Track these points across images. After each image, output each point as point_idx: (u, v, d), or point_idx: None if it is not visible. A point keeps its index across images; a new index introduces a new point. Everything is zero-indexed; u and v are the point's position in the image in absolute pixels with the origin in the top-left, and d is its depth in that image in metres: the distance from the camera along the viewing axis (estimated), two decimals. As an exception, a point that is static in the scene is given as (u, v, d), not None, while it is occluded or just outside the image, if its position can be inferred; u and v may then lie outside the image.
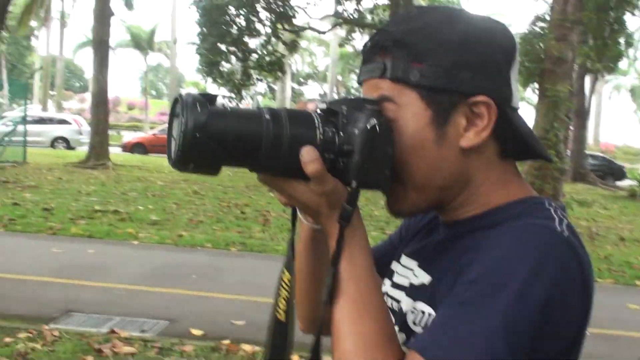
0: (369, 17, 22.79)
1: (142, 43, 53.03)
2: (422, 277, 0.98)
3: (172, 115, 0.84)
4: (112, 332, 4.95)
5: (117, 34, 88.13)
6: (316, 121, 0.86)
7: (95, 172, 16.94)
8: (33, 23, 46.27)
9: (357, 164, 0.85)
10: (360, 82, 0.96)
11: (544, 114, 11.76)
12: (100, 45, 19.22)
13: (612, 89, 69.07)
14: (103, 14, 19.16)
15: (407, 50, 0.89)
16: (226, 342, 4.84)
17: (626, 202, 19.41)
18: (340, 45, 28.98)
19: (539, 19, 15.63)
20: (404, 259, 1.07)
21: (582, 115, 24.08)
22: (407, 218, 1.12)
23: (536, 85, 12.85)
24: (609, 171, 28.73)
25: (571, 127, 16.41)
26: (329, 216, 0.88)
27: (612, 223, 14.19)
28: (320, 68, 66.50)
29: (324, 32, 25.28)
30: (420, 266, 1.00)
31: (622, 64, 40.43)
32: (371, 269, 0.90)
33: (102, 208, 10.80)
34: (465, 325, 0.79)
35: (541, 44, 12.70)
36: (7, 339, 4.62)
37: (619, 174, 28.96)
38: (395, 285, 1.05)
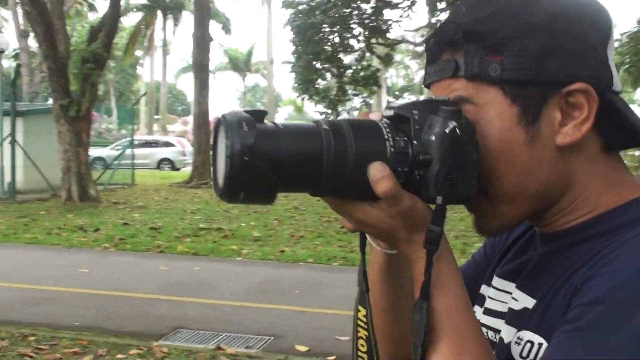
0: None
1: (240, 65, 54.61)
2: (524, 301, 0.83)
3: (216, 139, 0.74)
4: (219, 348, 5.00)
5: (216, 57, 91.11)
6: (384, 131, 0.75)
7: (199, 191, 17.46)
8: (138, 52, 48.60)
9: (438, 175, 0.74)
10: (427, 86, 0.85)
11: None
12: (201, 69, 19.89)
13: None
14: (203, 40, 19.83)
15: (482, 41, 0.77)
16: (332, 358, 4.79)
17: None
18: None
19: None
20: (497, 281, 0.92)
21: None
22: (498, 235, 0.97)
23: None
24: None
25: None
26: (410, 240, 0.76)
27: None
28: (415, 80, 66.08)
29: (418, 44, 25.03)
30: (519, 288, 0.85)
31: None
32: (467, 300, 0.77)
33: (207, 226, 11.07)
34: (588, 356, 0.65)
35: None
36: (119, 356, 4.76)
37: None
38: (490, 312, 0.90)
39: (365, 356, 0.86)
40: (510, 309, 0.86)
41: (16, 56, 34.18)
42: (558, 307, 0.75)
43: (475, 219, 0.84)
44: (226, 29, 45.26)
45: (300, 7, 18.48)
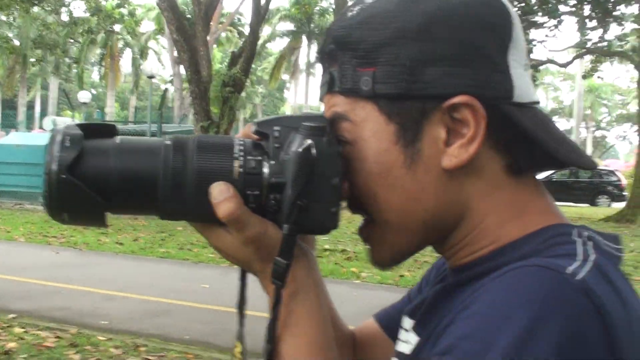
0: (617, 43, 21.09)
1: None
2: (414, 343, 0.74)
3: None
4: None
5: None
6: (236, 148, 0.68)
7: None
8: (285, 76, 50.44)
9: (289, 201, 0.66)
10: (320, 100, 0.76)
11: None
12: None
13: None
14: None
15: (354, 52, 0.68)
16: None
17: None
18: (584, 77, 27.06)
19: None
20: (405, 320, 0.81)
21: None
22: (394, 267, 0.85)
23: None
24: None
25: None
26: (264, 272, 0.69)
27: None
28: (566, 103, 63.32)
29: (564, 65, 23.90)
30: (414, 327, 0.76)
31: None
32: (320, 342, 0.68)
33: (332, 247, 11.09)
34: None
35: None
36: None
37: None
38: (398, 355, 0.79)
39: None
40: (412, 350, 0.75)
41: (171, 82, 36.64)
42: (427, 355, 0.65)
43: (369, 250, 0.75)
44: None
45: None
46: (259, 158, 0.68)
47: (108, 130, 0.68)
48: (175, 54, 30.24)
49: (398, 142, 0.67)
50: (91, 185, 0.65)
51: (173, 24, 14.92)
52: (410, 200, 0.68)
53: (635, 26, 19.38)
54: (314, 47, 47.05)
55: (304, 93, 51.58)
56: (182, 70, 30.65)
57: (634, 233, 14.79)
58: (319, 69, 0.88)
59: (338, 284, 8.55)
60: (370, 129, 0.68)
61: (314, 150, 0.66)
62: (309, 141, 0.66)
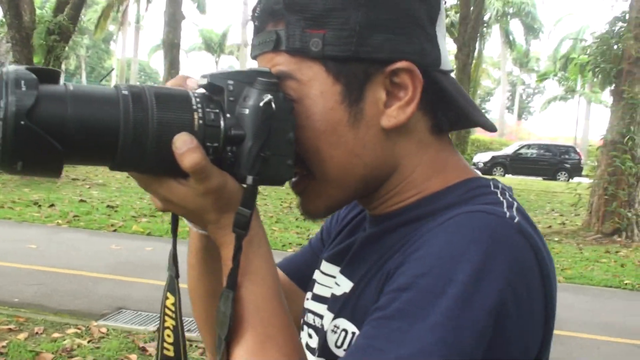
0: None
1: (214, 46, 54.08)
2: (345, 286, 0.80)
3: None
4: (159, 330, 4.90)
5: (191, 37, 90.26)
6: (193, 100, 0.68)
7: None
8: (111, 27, 47.86)
9: (250, 153, 0.68)
10: (254, 58, 0.79)
11: (619, 117, 11.17)
12: (171, 48, 19.58)
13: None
14: (174, 18, 19.51)
15: (303, 12, 0.72)
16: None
17: None
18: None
19: (617, 19, 14.93)
20: (325, 265, 0.88)
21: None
22: (324, 218, 0.93)
23: (613, 87, 12.23)
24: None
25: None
26: (219, 222, 0.71)
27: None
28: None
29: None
30: (342, 272, 0.82)
31: None
32: (277, 287, 0.72)
33: (165, 207, 10.91)
34: (393, 346, 0.61)
35: (619, 44, 12.08)
36: (56, 335, 4.64)
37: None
38: (316, 298, 0.86)
39: (171, 347, 0.80)
40: (332, 294, 0.82)
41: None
42: (371, 295, 0.72)
43: (301, 200, 0.80)
44: (201, 8, 44.75)
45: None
46: (217, 110, 0.69)
47: (54, 76, 0.65)
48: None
49: (343, 101, 0.73)
50: (49, 133, 0.62)
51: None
52: (352, 156, 0.74)
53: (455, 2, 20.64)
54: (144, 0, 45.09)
55: (133, 46, 49.44)
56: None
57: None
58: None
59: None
60: (317, 88, 0.73)
61: (273, 105, 0.69)
62: (269, 96, 0.69)
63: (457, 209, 0.70)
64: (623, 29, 12.04)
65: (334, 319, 0.79)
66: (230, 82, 0.70)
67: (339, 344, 0.76)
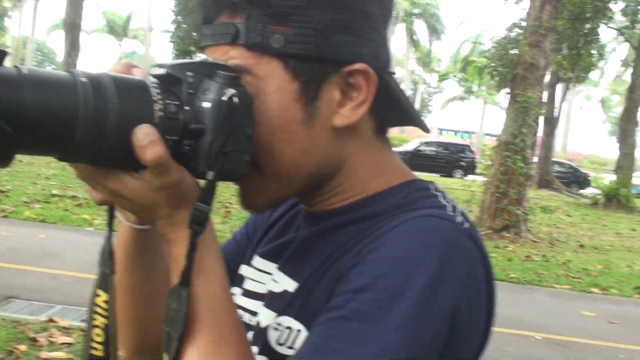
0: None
1: (117, 29, 52.41)
2: (285, 284, 0.80)
3: None
4: (51, 320, 4.75)
5: (94, 18, 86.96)
6: (153, 91, 0.66)
7: (58, 157, 16.57)
8: (7, 4, 45.39)
9: (211, 148, 0.67)
10: (202, 47, 0.77)
11: (513, 119, 11.72)
12: (72, 28, 18.87)
13: (583, 99, 69.93)
14: (75, -4, 18.80)
15: (266, 7, 0.72)
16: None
17: (588, 210, 19.49)
18: None
19: (515, 25, 15.65)
20: (258, 261, 0.88)
21: (551, 122, 24.18)
22: (265, 212, 0.93)
23: (508, 90, 12.81)
24: (574, 179, 28.76)
25: (540, 134, 16.47)
26: (172, 218, 0.69)
27: (573, 230, 14.21)
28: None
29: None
30: (281, 269, 0.82)
31: (594, 74, 40.97)
32: (228, 285, 0.72)
33: (60, 193, 10.52)
34: (352, 346, 0.63)
35: (515, 50, 12.68)
36: (-63, 324, 4.41)
37: (584, 182, 28.96)
38: (249, 294, 0.86)
39: (100, 347, 0.77)
40: (269, 291, 0.82)
41: None
42: (322, 293, 0.73)
43: (242, 193, 0.79)
44: (105, -11, 43.27)
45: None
46: (177, 103, 0.67)
47: (0, 56, 0.61)
48: None
49: (300, 99, 0.73)
50: (2, 118, 0.58)
51: None
52: (304, 154, 0.75)
53: None
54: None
55: (31, 24, 47.12)
56: None
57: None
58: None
59: (70, 231, 8.19)
60: (274, 85, 0.73)
61: (236, 100, 0.68)
62: (232, 90, 0.68)
63: (408, 212, 0.72)
64: (520, 35, 12.62)
65: (277, 316, 0.78)
66: (190, 73, 0.69)
67: (281, 341, 0.76)
